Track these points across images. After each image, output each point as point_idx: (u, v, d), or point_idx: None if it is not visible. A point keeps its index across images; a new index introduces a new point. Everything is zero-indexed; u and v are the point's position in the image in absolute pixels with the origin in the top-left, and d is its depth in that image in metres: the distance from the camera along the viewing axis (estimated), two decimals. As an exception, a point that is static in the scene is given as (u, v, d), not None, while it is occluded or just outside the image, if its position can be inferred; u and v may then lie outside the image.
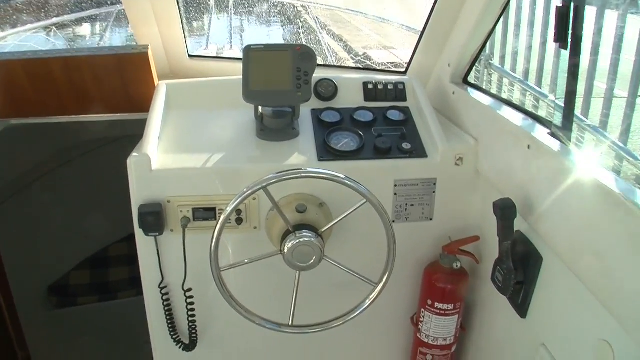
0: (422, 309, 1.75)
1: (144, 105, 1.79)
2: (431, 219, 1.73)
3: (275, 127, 1.67)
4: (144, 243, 1.62)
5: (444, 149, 1.64)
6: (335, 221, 1.46)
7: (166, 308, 1.70)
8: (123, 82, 1.86)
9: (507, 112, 1.57)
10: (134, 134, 1.68)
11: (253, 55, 1.61)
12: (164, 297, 1.68)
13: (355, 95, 1.84)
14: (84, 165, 2.83)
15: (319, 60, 1.89)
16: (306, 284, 1.52)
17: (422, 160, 1.65)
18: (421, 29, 1.94)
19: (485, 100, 1.69)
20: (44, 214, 2.79)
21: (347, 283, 1.64)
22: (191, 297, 1.67)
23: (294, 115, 1.68)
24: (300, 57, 1.62)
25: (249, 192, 1.35)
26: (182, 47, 2.15)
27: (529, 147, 1.38)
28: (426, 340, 1.78)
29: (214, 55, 2.26)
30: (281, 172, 1.36)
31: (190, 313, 1.69)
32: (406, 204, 1.69)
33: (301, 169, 1.38)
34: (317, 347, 1.89)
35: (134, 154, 1.54)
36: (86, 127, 2.16)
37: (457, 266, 1.68)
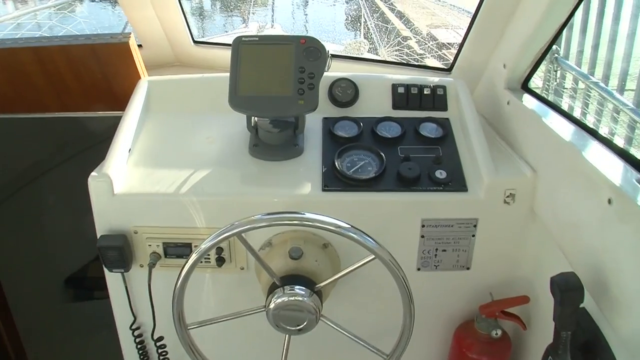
0: (451, 380, 1.38)
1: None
2: (468, 269, 1.34)
3: (272, 142, 1.32)
4: (111, 279, 1.34)
5: (491, 182, 1.24)
6: (336, 277, 1.11)
7: (141, 352, 1.42)
8: (104, 76, 1.56)
9: (581, 141, 1.15)
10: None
11: (244, 50, 1.26)
12: (137, 340, 1.39)
13: (381, 100, 1.45)
14: (92, 159, 2.60)
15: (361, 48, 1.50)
16: (299, 345, 1.19)
17: (460, 196, 1.26)
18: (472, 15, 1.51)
19: (552, 118, 1.27)
20: (58, 206, 2.61)
21: (351, 347, 1.29)
22: (163, 346, 1.37)
23: (297, 128, 1.32)
24: (305, 53, 1.25)
25: (226, 234, 1.02)
26: (183, 32, 1.82)
27: (609, 201, 0.97)
28: (454, 416, 1.41)
29: (223, 42, 1.89)
30: (264, 216, 1.02)
31: (163, 364, 1.40)
32: (436, 249, 1.31)
33: (290, 214, 1.03)
34: None
35: (94, 173, 1.23)
36: (71, 124, 1.89)
37: (496, 334, 1.29)
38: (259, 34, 1.31)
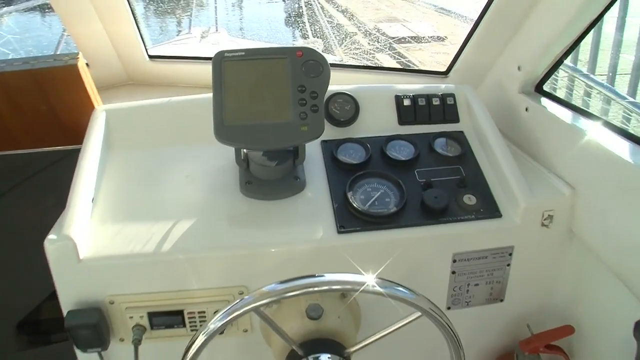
0: None
1: (83, 132, 1.23)
2: (502, 300, 1.18)
3: (268, 177, 1.10)
4: (84, 358, 1.08)
5: (529, 205, 1.07)
6: (371, 340, 0.91)
7: None
8: (50, 107, 1.29)
9: (627, 150, 1.00)
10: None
11: (228, 68, 1.03)
12: None
13: (385, 116, 1.26)
14: (33, 193, 2.28)
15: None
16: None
17: (494, 223, 1.09)
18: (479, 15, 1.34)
19: (583, 124, 1.12)
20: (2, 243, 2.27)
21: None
22: None
23: (297, 158, 1.11)
24: (304, 67, 1.04)
25: (237, 313, 0.81)
26: (137, 47, 1.56)
27: None
28: None
29: (184, 55, 1.66)
30: (286, 284, 0.81)
31: None
32: (468, 284, 1.14)
33: (322, 278, 0.82)
34: None
35: (51, 235, 0.98)
36: (13, 164, 1.60)
37: (544, 373, 1.14)
38: (242, 47, 1.07)
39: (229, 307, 0.81)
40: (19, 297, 2.61)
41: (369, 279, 0.82)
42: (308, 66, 1.04)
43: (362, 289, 0.82)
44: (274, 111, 1.03)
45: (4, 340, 2.60)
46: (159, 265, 1.00)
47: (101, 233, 1.03)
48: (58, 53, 1.39)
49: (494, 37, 1.32)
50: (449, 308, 1.15)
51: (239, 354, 1.12)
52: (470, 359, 1.25)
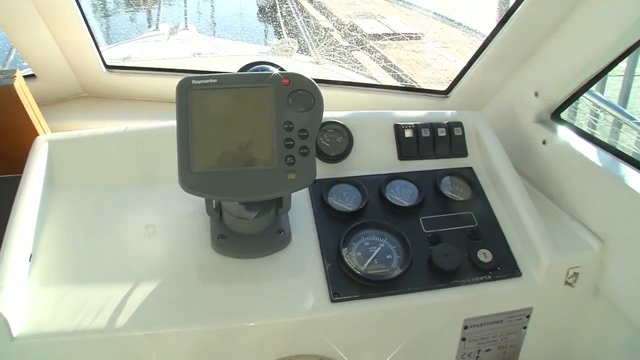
0: None
1: (24, 160, 1.02)
2: None
3: (246, 231, 0.91)
4: None
5: (552, 262, 0.92)
6: None
7: None
8: None
9: None
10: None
11: (197, 99, 0.84)
12: None
13: (383, 149, 1.08)
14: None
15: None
16: None
17: (512, 283, 0.93)
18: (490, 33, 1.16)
19: (612, 164, 0.96)
20: None
21: None
22: None
23: (281, 207, 0.92)
24: (291, 100, 0.85)
25: None
26: (91, 56, 1.34)
27: None
28: None
29: (143, 66, 1.45)
30: None
31: None
32: (478, 350, 0.98)
33: None
34: None
35: None
36: None
37: None
38: (213, 72, 0.87)
39: None
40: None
41: None
42: (296, 97, 0.85)
43: None
44: (253, 154, 0.83)
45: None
46: (113, 343, 0.81)
47: (41, 301, 0.83)
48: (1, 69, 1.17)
49: (507, 58, 1.15)
50: (455, 374, 0.99)
51: None
52: None
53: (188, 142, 0.82)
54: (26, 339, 0.79)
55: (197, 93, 0.84)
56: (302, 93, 0.85)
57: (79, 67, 1.38)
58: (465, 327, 0.94)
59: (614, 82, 2.96)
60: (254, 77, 0.87)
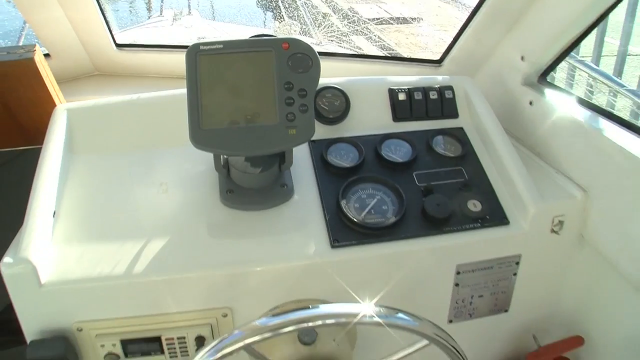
0: None
1: (43, 132, 1.09)
2: (506, 311, 1.09)
3: (252, 185, 0.99)
4: None
5: (538, 210, 0.98)
6: None
7: None
8: (6, 106, 1.15)
9: None
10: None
11: (204, 63, 0.91)
12: None
13: (378, 112, 1.15)
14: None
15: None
16: None
17: (501, 231, 1.00)
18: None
19: (595, 120, 1.03)
20: None
21: None
22: None
23: (284, 163, 0.99)
24: (291, 62, 0.92)
25: (226, 350, 0.70)
26: (103, 35, 1.42)
27: None
28: None
29: (154, 43, 1.51)
30: (279, 317, 0.70)
31: None
32: (471, 296, 1.05)
33: (316, 311, 0.71)
34: None
35: (6, 258, 0.85)
36: None
37: (554, 389, 1.06)
38: (219, 39, 0.94)
39: (217, 342, 0.70)
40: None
41: (368, 309, 0.72)
42: (295, 60, 0.92)
43: (358, 320, 0.72)
44: (257, 112, 0.91)
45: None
46: (132, 287, 0.89)
47: (65, 253, 0.91)
48: (15, 45, 1.24)
49: (495, 25, 1.22)
50: (450, 321, 1.06)
51: None
52: None
53: (197, 102, 0.89)
54: (52, 286, 0.87)
55: (205, 57, 0.91)
56: (301, 56, 0.92)
57: (91, 45, 1.45)
58: (458, 273, 1.01)
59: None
60: (257, 42, 0.94)
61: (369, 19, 6.28)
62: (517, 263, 1.03)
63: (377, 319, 0.72)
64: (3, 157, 1.27)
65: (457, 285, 1.02)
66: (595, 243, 1.03)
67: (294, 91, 0.91)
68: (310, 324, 0.71)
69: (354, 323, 0.72)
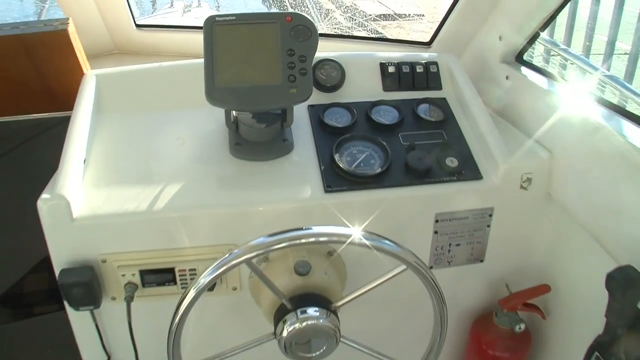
0: (469, 380, 1.28)
1: (74, 99, 1.24)
2: (482, 261, 1.23)
3: (257, 139, 1.13)
4: (76, 317, 1.11)
5: (508, 167, 1.12)
6: (358, 294, 0.95)
7: None
8: (39, 73, 1.29)
9: (604, 117, 1.05)
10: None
11: (219, 32, 1.05)
12: None
13: (370, 82, 1.29)
14: (16, 164, 2.27)
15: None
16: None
17: (475, 184, 1.13)
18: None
19: (562, 92, 1.16)
20: None
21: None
22: (146, 387, 1.17)
23: (285, 121, 1.14)
24: (293, 32, 1.07)
25: (227, 266, 0.84)
26: (124, 15, 1.56)
27: None
28: (472, 418, 1.31)
29: (171, 24, 1.65)
30: (276, 234, 0.84)
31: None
32: (449, 244, 1.18)
33: (310, 230, 0.85)
34: None
35: (44, 195, 1.00)
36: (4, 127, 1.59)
37: (520, 329, 1.19)
38: (232, 12, 1.09)
39: (219, 261, 0.84)
40: (1, 270, 2.61)
41: (356, 232, 0.86)
42: (297, 31, 1.06)
43: (349, 241, 0.85)
44: (263, 74, 1.05)
45: (-14, 313, 2.60)
46: (151, 223, 1.03)
47: (93, 193, 1.05)
48: (46, 18, 1.39)
49: (476, 8, 1.36)
50: (431, 267, 1.20)
51: (228, 312, 1.16)
52: (452, 319, 1.30)
53: (212, 65, 1.04)
54: (82, 220, 1.01)
55: (219, 27, 1.06)
56: (302, 27, 1.07)
57: (113, 24, 1.60)
58: (437, 221, 1.14)
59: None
60: (264, 15, 1.09)
61: (371, 16, 6.43)
62: (490, 215, 1.17)
63: (365, 241, 0.86)
64: (35, 123, 1.42)
65: (436, 232, 1.16)
66: (560, 200, 1.16)
67: (295, 57, 1.05)
68: (304, 241, 0.85)
69: (347, 244, 0.85)
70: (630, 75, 2.93)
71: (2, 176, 1.75)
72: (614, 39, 3.06)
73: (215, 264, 0.85)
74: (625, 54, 3.10)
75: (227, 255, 0.84)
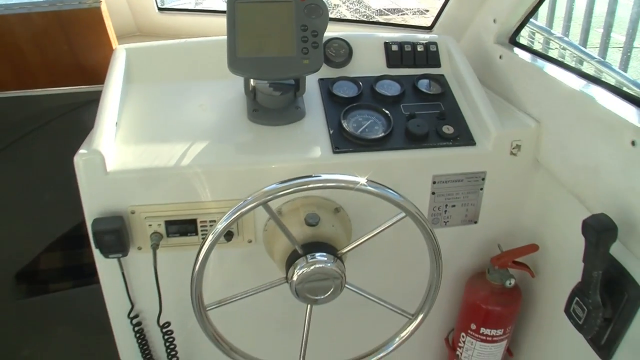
0: (463, 334, 1.39)
1: (102, 75, 1.36)
2: (475, 222, 1.34)
3: (273, 106, 1.25)
4: (104, 265, 1.23)
5: (499, 134, 1.23)
6: (362, 240, 1.06)
7: (140, 341, 1.32)
8: (71, 48, 1.42)
9: (587, 88, 1.16)
10: (94, 99, 1.26)
11: (241, 9, 1.17)
12: (136, 329, 1.30)
13: (374, 59, 1.41)
14: (41, 139, 2.39)
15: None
16: (316, 313, 1.15)
17: (468, 149, 1.25)
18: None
19: (550, 68, 1.28)
20: (1, 194, 2.37)
21: (369, 310, 1.26)
22: (170, 332, 1.29)
23: (298, 90, 1.25)
24: (306, 10, 1.18)
25: (244, 209, 0.95)
26: (148, -2, 1.69)
27: (633, 143, 0.98)
28: (466, 370, 1.42)
29: (192, 7, 1.77)
30: (288, 181, 0.96)
31: (169, 350, 1.31)
32: (446, 205, 1.30)
33: (319, 178, 0.97)
34: None
35: (82, 150, 1.12)
36: (32, 103, 1.71)
37: (510, 284, 1.31)
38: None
39: (234, 208, 0.96)
40: (18, 247, 2.75)
41: (362, 180, 0.97)
42: (310, 9, 1.18)
43: (356, 187, 0.97)
44: (280, 46, 1.17)
45: (3, 289, 2.74)
46: (177, 177, 1.15)
47: (124, 151, 1.17)
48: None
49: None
50: (428, 227, 1.31)
51: (244, 263, 1.27)
52: (448, 278, 1.42)
53: (234, 38, 1.16)
54: (115, 174, 1.13)
55: (240, 5, 1.18)
56: (314, 6, 1.19)
57: (137, 7, 1.72)
58: (434, 183, 1.26)
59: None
60: None
61: (376, 10, 6.56)
62: (483, 179, 1.28)
63: (370, 188, 0.97)
64: (66, 98, 1.55)
65: (433, 193, 1.27)
66: (547, 165, 1.27)
67: (308, 32, 1.17)
68: (312, 186, 0.96)
69: (355, 189, 0.96)
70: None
71: (31, 150, 1.87)
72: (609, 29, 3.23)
73: (230, 210, 0.96)
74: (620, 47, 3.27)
75: (240, 203, 0.96)
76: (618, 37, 3.34)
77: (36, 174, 2.51)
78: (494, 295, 1.32)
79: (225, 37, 1.17)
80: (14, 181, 2.37)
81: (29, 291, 2.86)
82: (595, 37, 3.41)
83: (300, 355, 1.13)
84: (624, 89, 1.15)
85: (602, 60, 1.34)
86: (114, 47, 1.43)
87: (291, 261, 1.08)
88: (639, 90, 1.12)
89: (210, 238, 0.97)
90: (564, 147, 1.20)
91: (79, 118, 1.42)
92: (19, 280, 2.82)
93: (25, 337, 2.65)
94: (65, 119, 1.82)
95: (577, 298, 1.08)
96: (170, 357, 1.33)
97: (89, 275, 2.95)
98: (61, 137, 1.72)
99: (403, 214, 1.02)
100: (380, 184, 0.99)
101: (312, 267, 1.04)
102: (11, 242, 2.62)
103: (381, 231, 1.05)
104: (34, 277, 2.92)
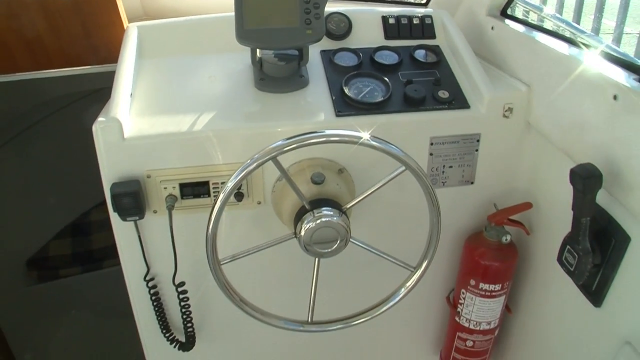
0: (463, 290, 1.47)
1: (113, 55, 1.43)
2: (472, 183, 1.42)
3: (278, 74, 1.33)
4: (121, 229, 1.30)
5: (491, 98, 1.31)
6: (365, 195, 1.14)
7: (155, 304, 1.40)
8: (85, 29, 1.49)
9: (573, 52, 1.24)
10: (105, 87, 1.33)
11: None
12: (152, 292, 1.38)
13: (373, 32, 1.48)
14: (51, 127, 2.47)
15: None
16: (323, 269, 1.22)
17: (463, 112, 1.32)
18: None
19: (540, 36, 1.35)
20: (12, 182, 2.44)
21: (374, 266, 1.34)
22: (184, 292, 1.36)
23: (302, 60, 1.33)
24: None
25: (254, 164, 1.02)
26: (155, -18, 1.77)
27: (615, 97, 1.06)
28: (467, 325, 1.50)
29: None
30: (296, 137, 1.03)
31: (184, 310, 1.39)
32: (443, 166, 1.37)
33: (323, 132, 1.04)
34: (334, 335, 1.60)
35: (100, 118, 1.19)
36: (48, 84, 1.78)
37: (506, 240, 1.38)
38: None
39: (243, 165, 1.03)
40: (28, 236, 2.82)
41: (365, 135, 1.04)
42: None
43: (360, 142, 1.04)
44: (284, 18, 1.25)
45: (14, 276, 2.82)
46: (190, 141, 1.22)
47: (139, 119, 1.25)
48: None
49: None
50: (427, 188, 1.39)
51: (254, 224, 1.35)
52: (447, 237, 1.49)
53: (242, 11, 1.23)
54: (132, 140, 1.21)
55: None
56: None
57: (144, -9, 1.80)
58: (432, 144, 1.34)
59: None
60: None
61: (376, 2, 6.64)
62: (478, 141, 1.36)
63: (373, 142, 1.04)
64: (79, 76, 1.62)
65: (431, 154, 1.35)
66: (538, 126, 1.34)
67: (310, 4, 1.25)
68: (315, 141, 1.03)
69: (359, 143, 1.03)
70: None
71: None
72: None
73: (239, 169, 1.03)
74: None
75: (248, 161, 1.03)
76: (608, 22, 3.44)
77: (43, 165, 2.59)
78: (492, 251, 1.40)
79: (231, 13, 1.25)
80: (20, 174, 2.45)
81: (40, 277, 2.94)
82: (587, 23, 3.50)
83: (309, 308, 1.20)
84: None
85: (594, 35, 1.41)
86: (124, 27, 1.51)
87: (299, 217, 1.16)
88: (622, 53, 1.19)
89: (222, 195, 1.04)
90: (553, 107, 1.27)
91: (89, 111, 1.47)
92: (29, 267, 2.91)
93: (36, 322, 2.73)
94: (76, 108, 1.89)
95: (568, 246, 1.16)
96: (185, 318, 1.40)
97: (98, 260, 3.04)
98: (70, 126, 1.80)
99: (403, 168, 1.09)
100: (382, 139, 1.06)
101: (318, 221, 1.11)
102: (21, 231, 2.70)
103: (382, 185, 1.12)
104: (44, 264, 3.00)
